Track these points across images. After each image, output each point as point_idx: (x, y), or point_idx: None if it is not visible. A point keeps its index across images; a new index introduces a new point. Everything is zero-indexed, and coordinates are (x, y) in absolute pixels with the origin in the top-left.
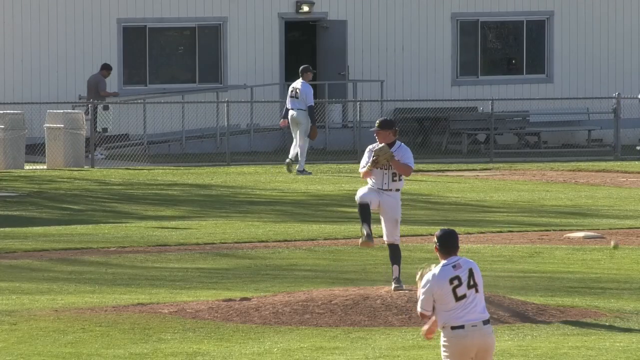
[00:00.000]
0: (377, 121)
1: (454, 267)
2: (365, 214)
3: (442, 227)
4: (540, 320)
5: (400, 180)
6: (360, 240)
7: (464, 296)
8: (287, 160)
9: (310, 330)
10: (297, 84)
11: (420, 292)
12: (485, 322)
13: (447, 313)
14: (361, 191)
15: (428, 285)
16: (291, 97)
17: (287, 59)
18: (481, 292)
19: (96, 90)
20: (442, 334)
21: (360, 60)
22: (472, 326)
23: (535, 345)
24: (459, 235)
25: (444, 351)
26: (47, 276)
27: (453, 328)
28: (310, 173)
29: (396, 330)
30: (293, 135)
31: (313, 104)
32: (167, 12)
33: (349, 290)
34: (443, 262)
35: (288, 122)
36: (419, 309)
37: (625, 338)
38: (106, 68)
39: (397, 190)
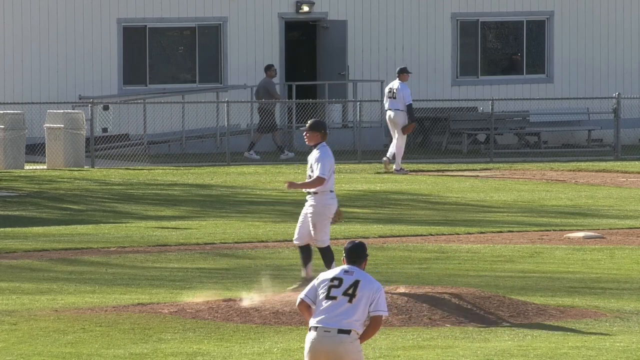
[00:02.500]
0: (309, 122)
1: (345, 272)
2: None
3: (352, 240)
4: (540, 320)
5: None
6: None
7: (334, 298)
8: (384, 158)
9: None
10: (395, 84)
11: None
12: (342, 332)
13: (316, 310)
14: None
15: (316, 280)
16: (388, 97)
17: (287, 59)
18: (357, 307)
19: (266, 93)
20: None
21: (360, 60)
22: (325, 331)
23: (535, 345)
24: (363, 248)
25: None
26: (47, 276)
27: (309, 329)
28: (407, 172)
29: (396, 330)
30: (392, 135)
31: (411, 102)
32: (167, 12)
33: None
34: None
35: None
36: (300, 296)
37: (625, 338)
38: (269, 68)
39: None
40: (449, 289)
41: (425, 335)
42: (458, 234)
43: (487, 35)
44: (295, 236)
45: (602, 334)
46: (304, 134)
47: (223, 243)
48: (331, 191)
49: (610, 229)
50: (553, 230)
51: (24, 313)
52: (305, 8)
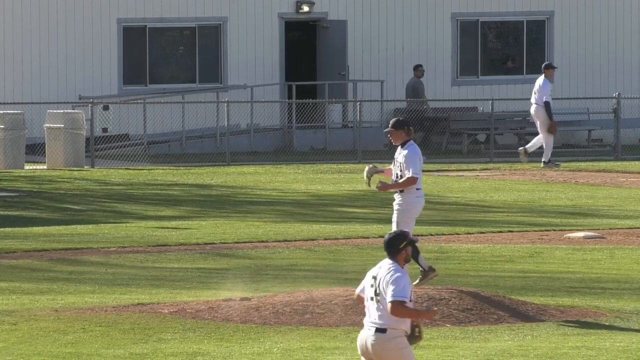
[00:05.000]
0: (391, 121)
1: (379, 268)
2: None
3: (390, 232)
4: (540, 320)
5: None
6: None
7: (370, 297)
8: (521, 148)
9: (310, 330)
10: (539, 79)
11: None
12: (378, 330)
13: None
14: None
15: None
16: (534, 92)
17: (287, 59)
18: (384, 304)
19: (414, 93)
20: None
21: (360, 60)
22: (368, 329)
23: (535, 345)
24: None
25: None
26: (47, 276)
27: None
28: (557, 165)
29: None
30: (537, 128)
31: (548, 101)
32: (167, 12)
33: (349, 290)
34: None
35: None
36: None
37: (625, 338)
38: (417, 68)
39: (401, 191)
40: (449, 289)
41: (425, 335)
42: (458, 234)
43: (487, 35)
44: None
45: (602, 334)
46: (388, 134)
47: (223, 243)
48: (418, 189)
49: (610, 229)
50: (553, 230)
51: (24, 313)
52: (305, 8)
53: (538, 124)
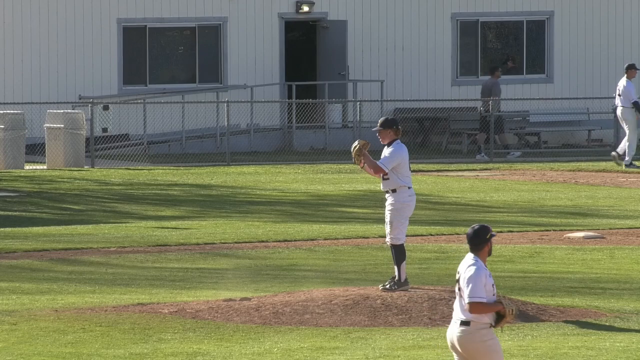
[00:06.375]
0: (380, 120)
1: (461, 265)
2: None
3: (473, 226)
4: (540, 320)
5: (389, 179)
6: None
7: (456, 293)
8: (613, 153)
9: (310, 330)
10: (621, 81)
11: (478, 285)
12: (463, 323)
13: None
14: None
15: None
16: (617, 95)
17: (287, 59)
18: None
19: (490, 94)
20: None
21: (360, 60)
22: (453, 322)
23: (535, 345)
24: (475, 234)
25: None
26: (47, 276)
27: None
28: (637, 167)
29: (396, 330)
30: (625, 130)
31: (637, 100)
32: (167, 12)
33: (349, 290)
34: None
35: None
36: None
37: (625, 338)
38: (496, 69)
39: (393, 190)
40: (449, 289)
41: (425, 335)
42: (458, 234)
43: (487, 35)
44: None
45: (602, 334)
46: (377, 133)
47: (223, 243)
48: (409, 187)
49: (610, 229)
50: (553, 230)
51: (24, 313)
52: (305, 8)
53: (625, 125)
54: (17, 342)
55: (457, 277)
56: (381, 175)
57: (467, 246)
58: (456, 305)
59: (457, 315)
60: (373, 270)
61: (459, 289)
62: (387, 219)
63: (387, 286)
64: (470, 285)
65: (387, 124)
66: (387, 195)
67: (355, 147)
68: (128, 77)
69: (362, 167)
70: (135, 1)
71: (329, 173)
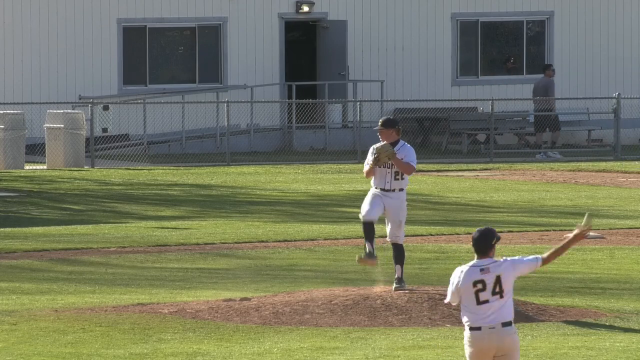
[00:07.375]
0: (380, 120)
1: (481, 270)
2: (369, 231)
3: (479, 228)
4: (540, 320)
5: (403, 179)
6: (358, 256)
7: (486, 301)
8: None
9: (310, 330)
10: None
11: (449, 287)
12: (505, 324)
13: (469, 313)
14: (365, 207)
15: (455, 281)
16: None
17: (287, 59)
18: (508, 296)
19: (545, 93)
20: (464, 331)
21: (360, 60)
22: (490, 328)
23: (535, 345)
24: (485, 237)
25: (466, 348)
26: (47, 276)
27: (471, 329)
28: None
29: (396, 330)
30: None
31: None
32: (167, 12)
33: (349, 290)
34: (473, 262)
35: None
36: (446, 300)
37: (625, 338)
38: (548, 68)
39: (401, 190)
40: None
41: (425, 335)
42: (458, 234)
43: (487, 35)
44: (367, 213)
45: (602, 334)
46: (377, 133)
47: (223, 243)
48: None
49: (610, 229)
50: (553, 230)
51: (24, 313)
52: (305, 8)
53: None
54: (17, 342)
55: (480, 287)
56: (395, 174)
57: (467, 246)
58: (491, 309)
59: (497, 317)
60: (373, 270)
61: (496, 292)
62: (396, 217)
63: (397, 286)
64: (520, 257)
65: (390, 124)
66: (392, 194)
67: (388, 151)
68: (128, 77)
69: (378, 167)
70: (135, 1)
71: (329, 173)
